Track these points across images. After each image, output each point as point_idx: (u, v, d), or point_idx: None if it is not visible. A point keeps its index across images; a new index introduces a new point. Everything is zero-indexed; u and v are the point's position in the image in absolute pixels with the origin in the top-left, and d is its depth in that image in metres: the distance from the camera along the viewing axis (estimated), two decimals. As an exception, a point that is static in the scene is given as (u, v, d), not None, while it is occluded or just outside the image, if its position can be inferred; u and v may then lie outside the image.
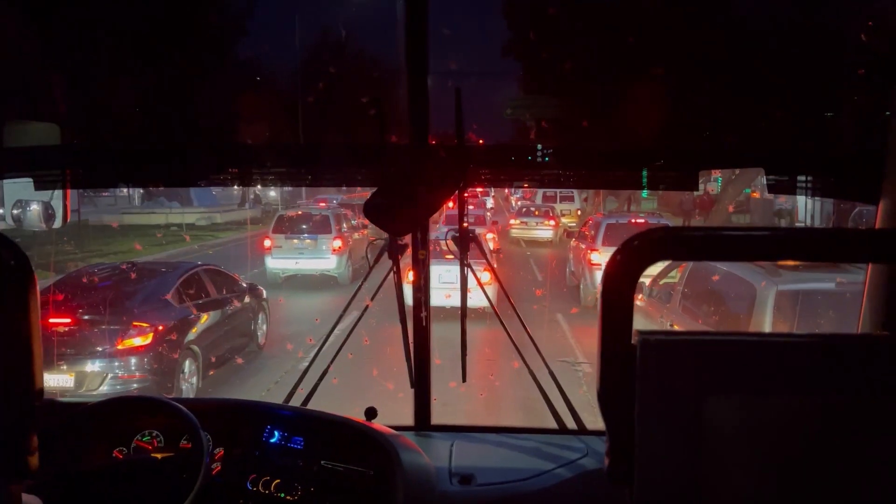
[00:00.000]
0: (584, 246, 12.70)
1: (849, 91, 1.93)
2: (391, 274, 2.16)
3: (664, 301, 7.74)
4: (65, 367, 6.42)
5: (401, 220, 1.98)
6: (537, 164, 2.01)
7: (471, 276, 2.21)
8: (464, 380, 2.28)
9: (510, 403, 6.03)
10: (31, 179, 2.13)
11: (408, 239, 2.14)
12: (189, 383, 7.14)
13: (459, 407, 5.23)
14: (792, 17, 1.99)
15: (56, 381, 6.38)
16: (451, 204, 2.14)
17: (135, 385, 6.58)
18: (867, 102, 1.87)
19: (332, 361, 2.23)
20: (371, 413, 2.04)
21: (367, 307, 2.26)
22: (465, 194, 2.07)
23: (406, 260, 2.16)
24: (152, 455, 1.94)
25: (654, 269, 10.09)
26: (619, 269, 0.72)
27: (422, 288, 2.11)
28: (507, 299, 2.30)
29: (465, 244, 2.16)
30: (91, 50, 2.64)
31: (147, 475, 1.78)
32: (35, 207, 2.40)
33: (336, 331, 2.29)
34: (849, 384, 0.69)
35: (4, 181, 2.37)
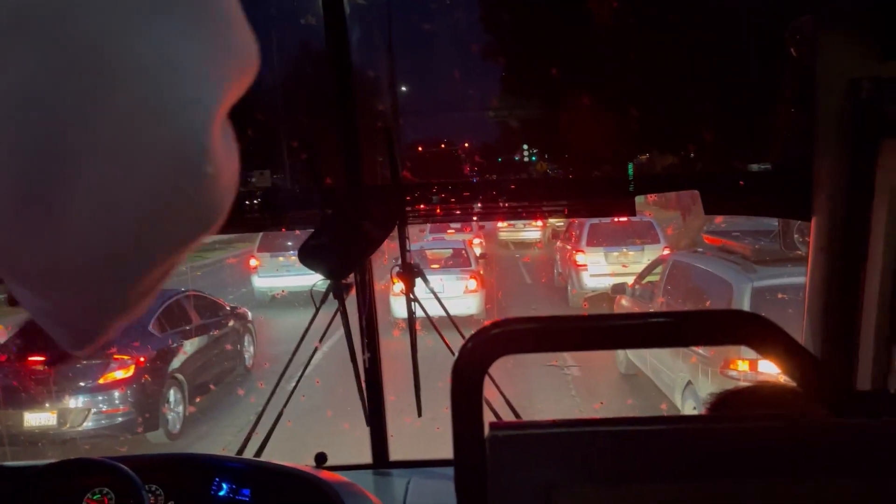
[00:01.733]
0: (569, 247, 12.71)
1: (778, 108, 1.93)
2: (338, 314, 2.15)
3: (647, 300, 7.75)
4: (47, 404, 6.37)
5: (340, 262, 1.97)
6: (474, 197, 2.01)
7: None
8: (419, 414, 2.26)
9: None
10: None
11: (352, 277, 2.13)
12: (175, 412, 7.10)
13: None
14: (718, 37, 1.99)
15: (38, 419, 6.33)
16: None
17: (119, 419, 6.55)
18: (797, 119, 1.88)
19: (285, 405, 2.21)
20: (321, 458, 2.03)
21: (315, 349, 2.24)
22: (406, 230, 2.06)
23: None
24: None
25: (637, 267, 10.11)
26: (467, 362, 0.71)
27: (364, 330, 2.10)
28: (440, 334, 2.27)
29: (411, 278, 2.15)
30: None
31: None
32: None
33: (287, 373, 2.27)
34: (701, 470, 0.68)
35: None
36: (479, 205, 2.07)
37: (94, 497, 1.95)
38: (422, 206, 2.07)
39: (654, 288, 7.80)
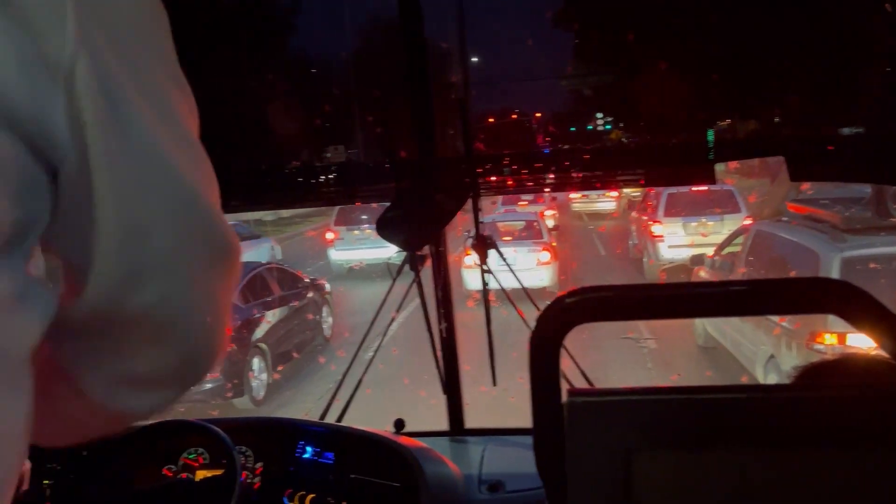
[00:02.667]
0: (645, 217, 12.41)
1: (871, 67, 1.83)
2: (414, 285, 2.19)
3: (727, 271, 7.51)
4: (143, 370, 6.77)
5: (415, 233, 2.01)
6: (547, 167, 2.00)
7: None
8: (494, 384, 2.30)
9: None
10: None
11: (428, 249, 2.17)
12: (259, 380, 7.42)
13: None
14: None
15: (136, 384, 6.75)
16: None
17: (208, 385, 6.89)
18: (892, 79, 1.77)
19: (364, 373, 2.29)
20: (399, 424, 2.09)
21: (392, 319, 2.30)
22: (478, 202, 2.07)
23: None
24: (197, 471, 2.06)
25: (717, 238, 9.78)
26: (544, 330, 0.72)
27: (440, 300, 2.14)
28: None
29: (484, 250, 2.16)
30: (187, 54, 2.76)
31: (189, 495, 1.89)
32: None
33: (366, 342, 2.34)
34: (781, 439, 0.68)
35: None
36: (553, 176, 2.05)
37: (190, 456, 2.08)
38: (495, 177, 2.08)
39: (735, 259, 7.55)
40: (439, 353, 2.24)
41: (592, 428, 0.71)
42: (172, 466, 2.08)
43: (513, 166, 2.05)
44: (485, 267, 2.16)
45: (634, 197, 19.46)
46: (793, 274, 6.02)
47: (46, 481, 1.90)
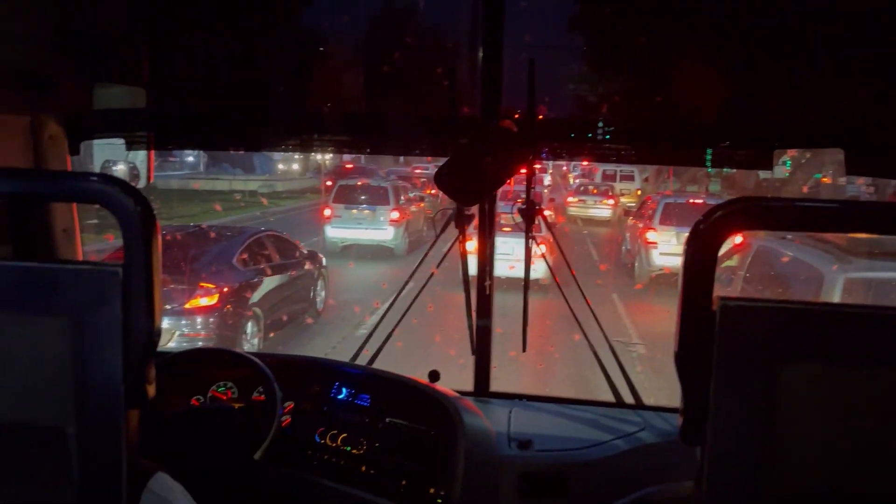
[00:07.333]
0: (640, 224, 12.52)
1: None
2: (456, 243, 2.20)
3: (723, 284, 7.58)
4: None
5: (469, 190, 2.02)
6: (604, 140, 2.02)
7: (535, 248, 2.23)
8: (524, 349, 2.32)
9: (567, 376, 6.08)
10: (121, 141, 2.24)
11: (474, 210, 2.18)
12: (251, 344, 7.40)
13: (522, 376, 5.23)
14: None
15: (128, 335, 6.69)
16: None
17: (200, 343, 6.86)
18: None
19: (397, 324, 2.30)
20: (434, 376, 2.11)
21: (432, 275, 2.31)
22: (535, 167, 2.08)
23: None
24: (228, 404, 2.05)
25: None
26: (701, 236, 0.74)
27: (487, 258, 2.15)
28: (571, 274, 2.32)
29: (531, 216, 2.18)
30: (173, 16, 2.72)
31: (225, 422, 1.89)
32: (122, 167, 2.55)
33: (402, 295, 2.35)
34: None
35: (94, 142, 2.50)
36: (610, 147, 2.07)
37: (219, 389, 2.08)
38: (553, 143, 2.10)
39: (733, 274, 7.62)
40: (474, 314, 2.25)
41: (743, 334, 0.73)
42: (200, 397, 2.07)
43: (570, 134, 2.07)
44: (531, 234, 2.19)
45: (630, 206, 19.55)
46: (794, 292, 6.10)
47: None
